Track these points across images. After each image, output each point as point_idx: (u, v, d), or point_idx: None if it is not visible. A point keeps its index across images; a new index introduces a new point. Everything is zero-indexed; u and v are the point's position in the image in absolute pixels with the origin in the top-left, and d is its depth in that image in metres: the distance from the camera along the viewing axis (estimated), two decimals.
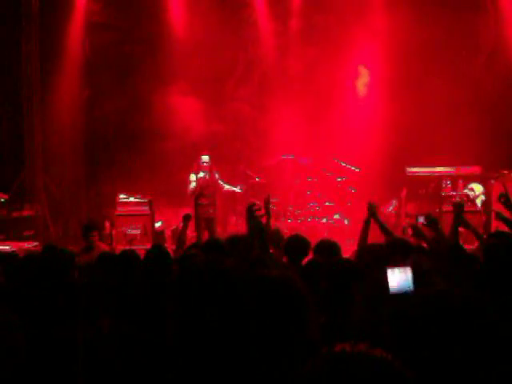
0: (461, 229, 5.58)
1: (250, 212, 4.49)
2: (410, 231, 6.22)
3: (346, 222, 11.15)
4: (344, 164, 11.19)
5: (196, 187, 9.47)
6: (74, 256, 4.97)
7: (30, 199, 10.96)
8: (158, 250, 4.33)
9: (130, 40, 12.15)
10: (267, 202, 5.16)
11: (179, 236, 6.13)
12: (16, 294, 3.27)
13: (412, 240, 5.01)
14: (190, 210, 11.10)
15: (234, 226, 11.26)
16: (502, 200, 5.41)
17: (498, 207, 10.31)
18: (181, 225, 6.22)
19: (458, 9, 11.61)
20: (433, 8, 11.63)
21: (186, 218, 6.25)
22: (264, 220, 4.85)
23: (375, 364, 1.28)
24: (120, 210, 10.42)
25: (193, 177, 9.58)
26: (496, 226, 10.01)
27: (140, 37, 12.12)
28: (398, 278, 1.62)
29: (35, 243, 9.17)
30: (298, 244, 4.97)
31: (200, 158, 9.64)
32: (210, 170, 9.61)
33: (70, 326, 2.61)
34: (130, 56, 12.17)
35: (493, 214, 9.81)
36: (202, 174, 9.50)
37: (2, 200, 10.29)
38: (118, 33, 12.04)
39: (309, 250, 4.96)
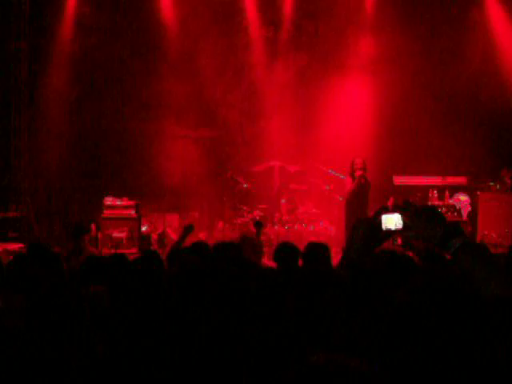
0: None
1: None
2: (399, 241, 6.24)
3: (332, 229, 11.14)
4: (332, 172, 11.20)
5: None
6: (60, 257, 4.87)
7: (16, 200, 10.85)
8: (150, 256, 4.13)
9: (119, 43, 12.07)
10: None
11: (175, 245, 5.44)
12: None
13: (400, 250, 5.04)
14: (175, 216, 11.16)
15: (221, 231, 11.21)
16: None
17: (484, 218, 10.43)
18: (170, 230, 5.95)
19: (447, 21, 11.71)
20: (421, 20, 11.71)
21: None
22: None
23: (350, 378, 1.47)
24: (106, 213, 10.38)
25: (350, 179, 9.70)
26: (481, 236, 10.09)
27: (130, 40, 12.06)
28: (390, 220, 2.11)
29: (20, 245, 9.10)
30: (288, 251, 4.97)
31: (357, 161, 9.65)
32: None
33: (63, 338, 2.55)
34: (119, 58, 12.09)
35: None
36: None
37: None
38: (108, 35, 11.96)
39: (299, 256, 4.96)
